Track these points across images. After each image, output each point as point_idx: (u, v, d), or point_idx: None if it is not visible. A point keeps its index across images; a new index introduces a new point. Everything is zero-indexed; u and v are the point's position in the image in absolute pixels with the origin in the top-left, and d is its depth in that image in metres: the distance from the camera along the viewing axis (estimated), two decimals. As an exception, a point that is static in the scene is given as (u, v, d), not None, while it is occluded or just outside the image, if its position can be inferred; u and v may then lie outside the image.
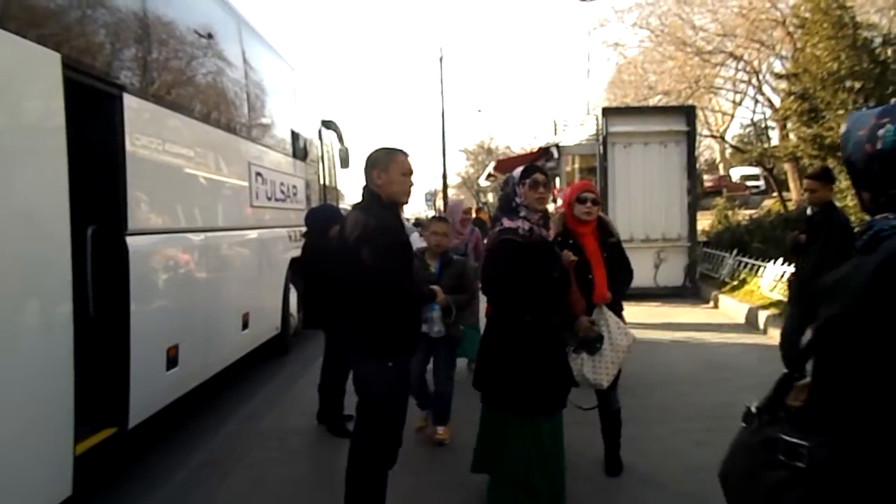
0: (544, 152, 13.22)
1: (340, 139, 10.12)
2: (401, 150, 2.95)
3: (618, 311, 3.80)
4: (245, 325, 5.63)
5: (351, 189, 11.73)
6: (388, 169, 2.86)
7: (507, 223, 2.96)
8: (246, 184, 5.87)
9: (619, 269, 3.68)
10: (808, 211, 4.78)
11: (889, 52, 17.63)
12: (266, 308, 6.46)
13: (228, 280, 5.42)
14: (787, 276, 8.58)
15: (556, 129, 24.73)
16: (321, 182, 9.04)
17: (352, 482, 2.90)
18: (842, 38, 17.28)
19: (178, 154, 4.45)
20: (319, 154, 9.04)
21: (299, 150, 7.83)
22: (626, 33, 43.84)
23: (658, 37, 26.29)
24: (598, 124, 11.10)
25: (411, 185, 3.00)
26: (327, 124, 9.58)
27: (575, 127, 13.84)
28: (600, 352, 3.40)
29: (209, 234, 4.96)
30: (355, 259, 2.73)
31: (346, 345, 3.09)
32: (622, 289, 3.70)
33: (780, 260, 8.94)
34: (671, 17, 25.57)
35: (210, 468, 4.00)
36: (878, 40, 17.99)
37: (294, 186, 7.51)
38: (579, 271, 3.39)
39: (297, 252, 6.02)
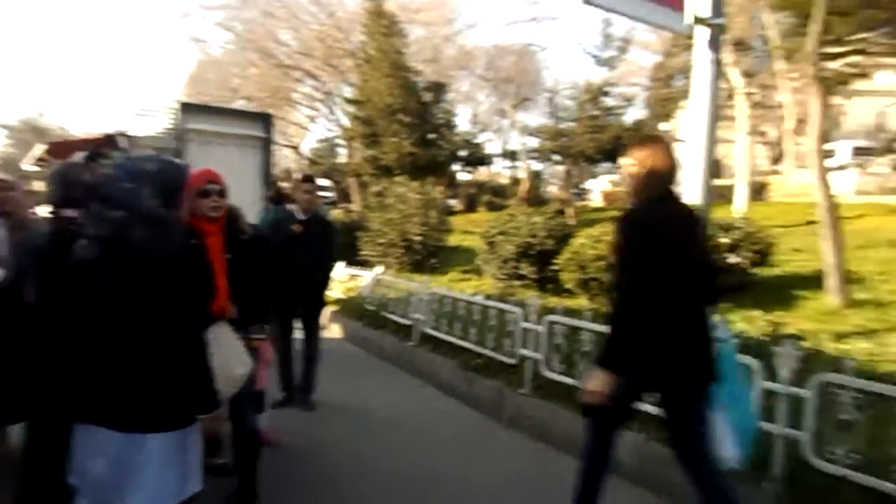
0: (110, 140, 12.03)
1: None
2: None
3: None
4: None
5: None
6: None
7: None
8: None
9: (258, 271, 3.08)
10: (302, 215, 4.94)
11: (429, 96, 21.75)
12: None
13: None
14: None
15: (130, 117, 22.63)
16: None
17: None
18: (397, 78, 20.54)
19: None
20: None
21: None
22: (211, 31, 43.16)
23: (243, 41, 26.62)
24: (175, 118, 10.65)
25: None
26: None
27: (150, 117, 13.01)
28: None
29: None
30: None
31: None
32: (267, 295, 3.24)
33: (344, 263, 10.07)
34: (256, 25, 26.21)
35: None
36: (423, 84, 22.00)
37: None
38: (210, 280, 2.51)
39: None
